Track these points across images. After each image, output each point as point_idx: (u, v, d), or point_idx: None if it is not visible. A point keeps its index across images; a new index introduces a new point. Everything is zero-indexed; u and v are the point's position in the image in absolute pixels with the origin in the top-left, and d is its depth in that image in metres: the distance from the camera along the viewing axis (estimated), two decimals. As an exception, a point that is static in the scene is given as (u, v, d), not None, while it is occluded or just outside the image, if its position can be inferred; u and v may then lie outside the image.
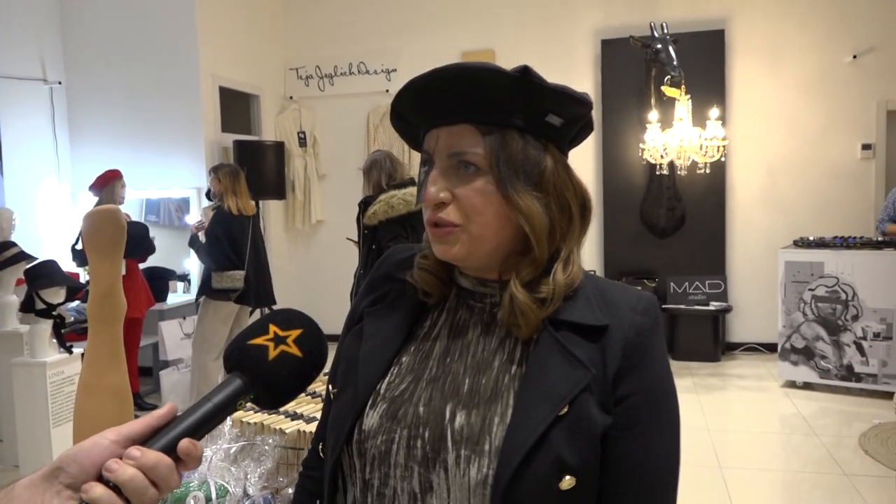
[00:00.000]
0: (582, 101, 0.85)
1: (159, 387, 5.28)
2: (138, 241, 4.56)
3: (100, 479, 0.60)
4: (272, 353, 0.69)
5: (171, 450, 0.62)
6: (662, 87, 5.36)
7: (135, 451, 0.61)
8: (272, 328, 0.70)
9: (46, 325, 3.61)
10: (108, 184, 4.94)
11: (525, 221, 0.81)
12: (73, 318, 4.57)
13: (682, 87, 5.28)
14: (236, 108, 6.54)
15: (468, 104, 0.81)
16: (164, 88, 5.86)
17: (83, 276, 5.01)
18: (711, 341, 6.00)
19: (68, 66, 6.04)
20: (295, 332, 0.70)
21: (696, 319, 6.00)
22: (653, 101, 5.79)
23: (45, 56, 5.87)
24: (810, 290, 5.02)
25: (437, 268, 0.90)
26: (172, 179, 5.92)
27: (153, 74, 5.87)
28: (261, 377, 0.68)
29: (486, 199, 0.81)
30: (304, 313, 0.74)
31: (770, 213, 6.12)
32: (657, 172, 5.75)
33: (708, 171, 5.49)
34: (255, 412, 1.61)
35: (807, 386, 5.09)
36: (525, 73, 0.80)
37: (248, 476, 1.45)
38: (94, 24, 5.95)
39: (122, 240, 1.23)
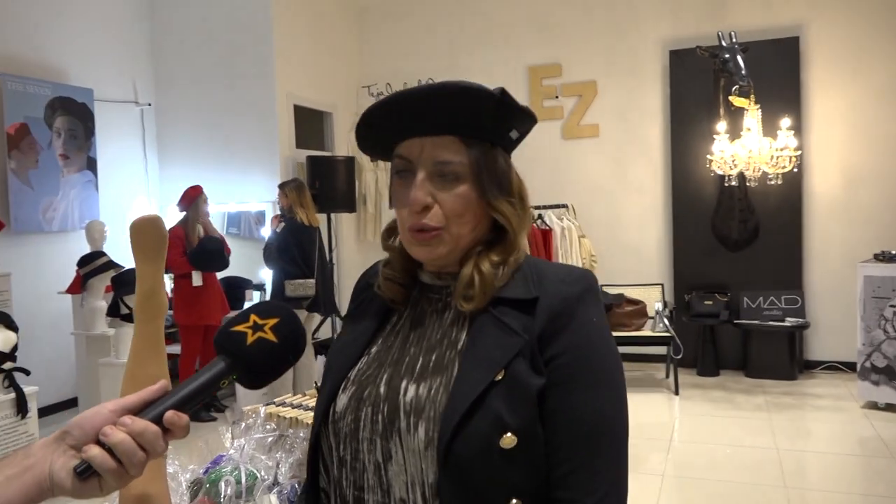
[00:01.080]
0: (533, 118, 0.96)
1: (235, 390, 5.55)
2: (212, 255, 4.83)
3: (98, 442, 0.71)
4: (250, 339, 0.79)
5: (158, 420, 0.73)
6: (730, 97, 5.25)
7: (126, 419, 0.72)
8: (252, 317, 0.81)
9: (130, 329, 3.90)
10: (192, 200, 5.27)
11: (506, 222, 0.93)
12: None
13: (751, 96, 5.16)
14: (310, 125, 6.83)
15: (456, 118, 0.90)
16: (243, 108, 6.19)
17: (168, 285, 5.35)
18: (787, 359, 5.78)
19: (158, 89, 6.48)
20: (272, 321, 0.80)
21: (770, 336, 5.80)
22: (721, 111, 5.68)
23: (136, 80, 6.32)
24: (892, 306, 4.78)
25: (400, 276, 0.99)
26: (250, 194, 6.23)
27: (233, 95, 6.22)
28: (241, 360, 0.79)
29: (467, 203, 0.91)
30: (284, 305, 0.85)
31: (849, 226, 5.86)
32: (726, 184, 5.62)
33: (780, 182, 5.32)
34: (292, 408, 1.73)
35: (889, 408, 4.83)
36: (503, 94, 0.90)
37: (280, 465, 1.56)
38: (181, 49, 6.37)
39: (163, 245, 1.37)
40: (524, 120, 0.94)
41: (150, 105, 6.42)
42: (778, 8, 5.94)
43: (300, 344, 0.84)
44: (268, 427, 1.64)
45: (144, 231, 1.36)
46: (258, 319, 0.80)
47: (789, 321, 5.75)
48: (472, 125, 0.91)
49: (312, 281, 4.74)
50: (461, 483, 0.82)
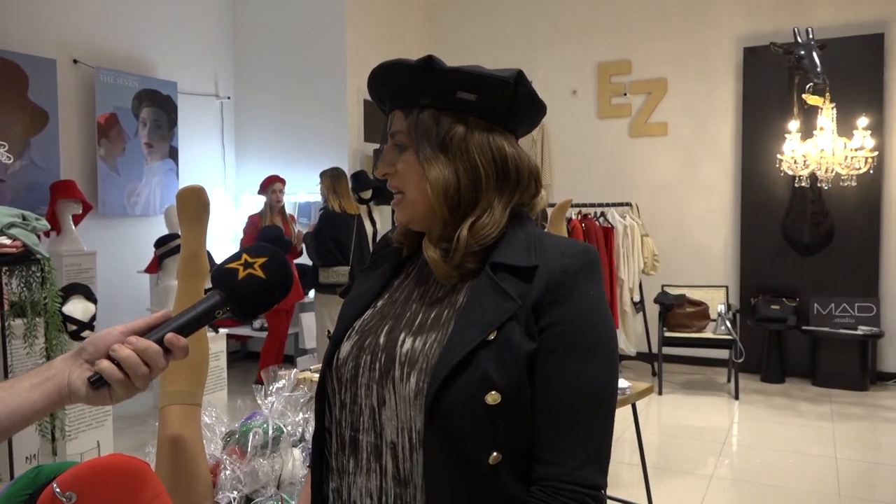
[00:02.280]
0: (488, 77, 0.97)
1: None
2: (270, 241, 5.07)
3: (108, 357, 0.83)
4: (241, 275, 0.90)
5: (160, 341, 0.85)
6: (804, 95, 5.09)
7: (132, 338, 0.84)
8: (244, 256, 0.91)
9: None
10: (267, 187, 5.62)
11: (428, 183, 0.97)
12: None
13: (827, 94, 4.98)
14: (378, 119, 7.00)
15: (392, 94, 1.01)
16: (316, 103, 6.42)
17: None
18: (858, 369, 5.54)
19: (237, 83, 6.80)
20: (261, 260, 0.91)
21: (841, 344, 5.57)
22: (795, 110, 5.50)
23: (218, 74, 6.65)
24: (972, 316, 4.53)
25: (409, 230, 1.07)
26: (319, 185, 6.45)
27: (306, 90, 6.46)
28: (232, 293, 0.89)
29: (411, 168, 0.99)
30: (274, 248, 0.94)
31: (932, 232, 5.57)
32: (796, 185, 5.44)
33: (854, 183, 5.12)
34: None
35: (966, 423, 4.59)
36: (427, 60, 0.97)
37: (308, 424, 1.68)
38: (260, 46, 6.67)
39: (205, 212, 1.50)
40: (468, 80, 0.96)
41: (229, 99, 6.75)
42: (860, 4, 5.70)
43: (287, 281, 0.93)
44: (299, 390, 1.76)
45: (188, 200, 1.49)
46: (249, 258, 0.91)
47: (862, 329, 5.52)
48: (406, 96, 0.99)
49: (346, 268, 4.82)
50: (445, 432, 0.89)
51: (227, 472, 1.46)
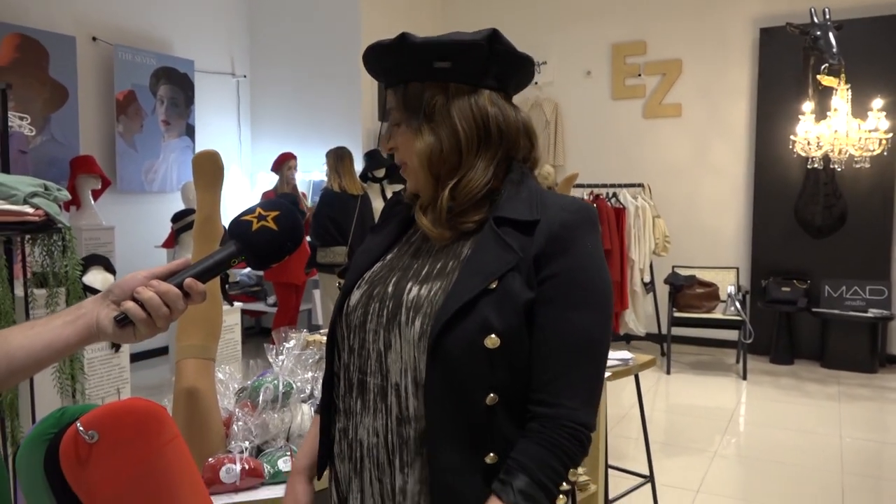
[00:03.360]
0: (457, 42, 1.01)
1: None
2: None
3: (133, 298, 0.90)
4: (255, 226, 0.96)
5: (180, 285, 0.92)
6: (819, 76, 5.06)
7: (155, 282, 0.91)
8: (258, 210, 0.98)
9: (216, 280, 4.25)
10: (279, 165, 5.68)
11: (414, 151, 1.03)
12: (237, 280, 5.24)
13: (842, 75, 4.96)
14: (393, 99, 7.04)
15: (382, 74, 1.08)
16: (330, 82, 6.48)
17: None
18: (868, 351, 5.55)
19: (253, 62, 6.86)
20: (273, 213, 0.97)
21: (851, 326, 5.58)
22: (809, 91, 5.47)
23: (234, 53, 6.71)
24: (983, 299, 4.53)
25: None
26: (333, 163, 6.52)
27: (321, 69, 6.51)
28: (246, 244, 0.96)
29: (406, 140, 1.05)
30: (286, 203, 1.01)
31: (945, 215, 5.54)
32: (809, 166, 5.43)
33: (868, 165, 5.10)
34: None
35: (974, 406, 4.60)
36: (399, 39, 1.02)
37: (317, 382, 1.75)
38: (276, 25, 6.72)
39: (219, 176, 1.57)
40: (438, 49, 1.01)
41: (245, 77, 6.81)
42: (879, -16, 5.64)
43: (297, 234, 1.00)
44: (309, 351, 1.83)
45: (203, 164, 1.56)
46: (262, 211, 0.98)
47: (872, 312, 5.53)
48: (392, 74, 1.05)
49: (343, 248, 4.80)
50: (446, 373, 0.95)
51: (240, 424, 1.54)
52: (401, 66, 1.04)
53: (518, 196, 1.03)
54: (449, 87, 1.03)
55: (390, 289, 1.05)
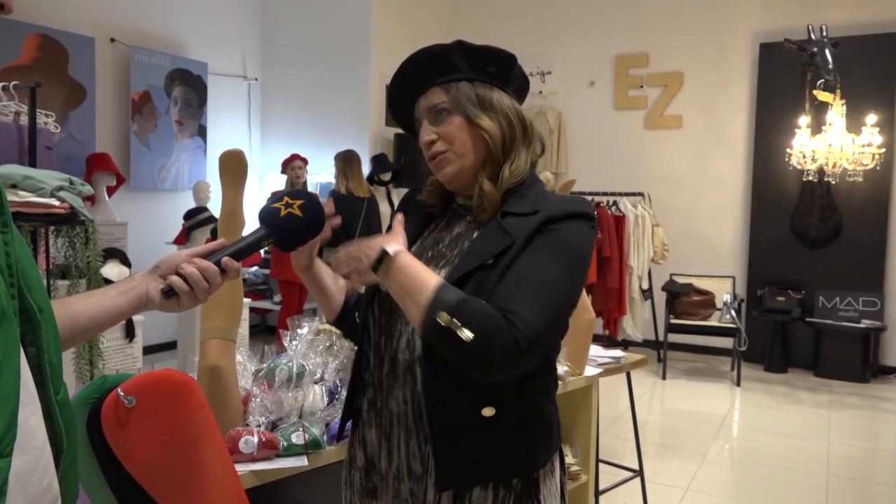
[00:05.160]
0: (503, 53, 1.22)
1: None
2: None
3: (177, 273, 1.04)
4: (283, 213, 1.10)
5: (217, 263, 1.06)
6: (815, 91, 5.21)
7: (196, 259, 1.05)
8: (286, 198, 1.12)
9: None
10: (287, 165, 5.83)
11: (485, 132, 1.18)
12: (244, 278, 5.38)
13: (837, 91, 5.10)
14: (401, 105, 7.19)
15: (430, 74, 1.21)
16: (339, 87, 6.63)
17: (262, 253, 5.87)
18: (860, 361, 5.68)
19: (265, 66, 7.02)
20: (299, 202, 1.12)
21: (844, 336, 5.71)
22: (806, 105, 5.62)
23: (246, 55, 6.88)
24: (971, 312, 4.65)
25: (437, 189, 1.30)
26: (341, 166, 6.67)
27: (331, 74, 6.67)
28: (275, 228, 1.10)
29: (459, 127, 1.19)
30: (311, 192, 1.15)
31: (937, 229, 5.67)
32: (804, 179, 5.57)
33: (861, 179, 5.24)
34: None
35: (961, 416, 4.72)
36: (458, 43, 1.20)
37: (327, 366, 1.89)
38: (287, 30, 6.88)
39: (243, 173, 1.71)
40: (491, 56, 1.21)
41: (256, 80, 6.97)
42: (876, 3, 5.78)
43: (320, 221, 1.14)
44: (320, 337, 1.97)
45: (230, 161, 1.70)
46: (289, 199, 1.12)
47: (865, 323, 5.65)
48: (442, 74, 1.20)
49: None
50: None
51: (258, 401, 1.67)
52: (455, 65, 1.20)
53: (526, 196, 1.18)
54: (494, 87, 1.22)
55: None
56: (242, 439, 1.60)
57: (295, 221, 1.12)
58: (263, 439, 1.62)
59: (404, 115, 1.30)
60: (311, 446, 1.65)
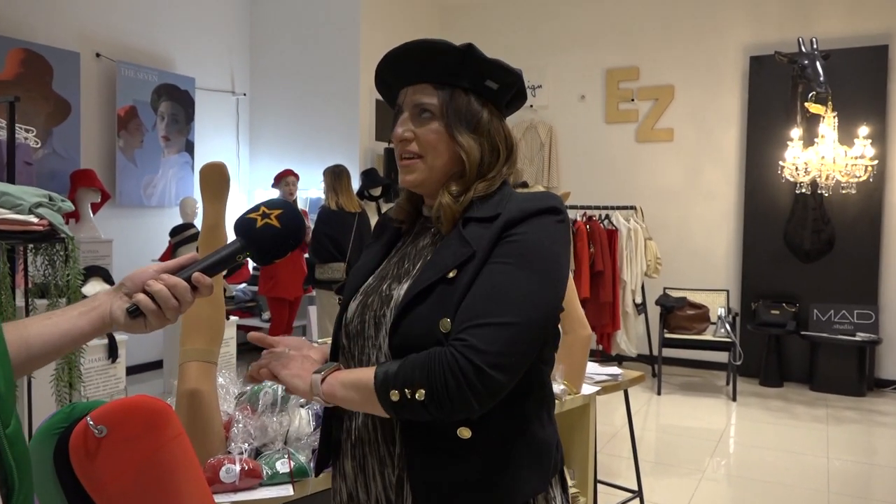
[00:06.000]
0: (512, 71, 1.13)
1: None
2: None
3: (144, 291, 0.96)
4: (259, 224, 1.03)
5: (188, 279, 0.98)
6: (806, 104, 5.19)
7: (164, 275, 0.98)
8: (262, 208, 1.04)
9: (219, 285, 4.31)
10: (280, 180, 5.77)
11: (464, 153, 1.11)
12: (233, 295, 5.29)
13: (829, 103, 5.09)
14: (390, 118, 7.12)
15: (427, 68, 1.12)
16: (328, 101, 6.58)
17: (250, 265, 5.78)
18: (856, 375, 5.62)
19: (253, 80, 6.96)
20: (276, 211, 1.04)
21: (839, 350, 5.66)
22: (797, 118, 5.60)
23: (234, 70, 6.82)
24: (967, 324, 4.61)
25: (406, 204, 1.22)
26: (330, 182, 6.59)
27: (320, 89, 6.61)
28: (251, 240, 1.02)
29: (438, 136, 1.11)
30: (289, 202, 1.07)
31: (931, 241, 5.65)
32: (797, 191, 5.54)
33: (854, 191, 5.21)
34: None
35: (960, 429, 4.66)
36: (469, 47, 1.10)
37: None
38: (276, 44, 6.83)
39: (225, 187, 1.63)
40: (497, 71, 1.11)
41: (244, 95, 6.91)
42: (866, 15, 5.80)
43: (300, 232, 1.07)
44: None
45: (210, 175, 1.63)
46: (266, 209, 1.04)
47: (860, 336, 5.60)
48: (442, 74, 1.11)
49: (341, 265, 4.85)
50: (405, 354, 1.01)
51: (240, 426, 1.59)
52: (458, 70, 1.10)
53: (490, 201, 1.10)
54: (488, 105, 1.13)
55: (382, 296, 1.12)
56: (224, 468, 1.51)
57: (272, 232, 1.04)
58: (246, 468, 1.53)
59: (388, 92, 1.22)
60: (297, 474, 1.57)
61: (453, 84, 1.11)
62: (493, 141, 1.13)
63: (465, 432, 1.01)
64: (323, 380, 1.04)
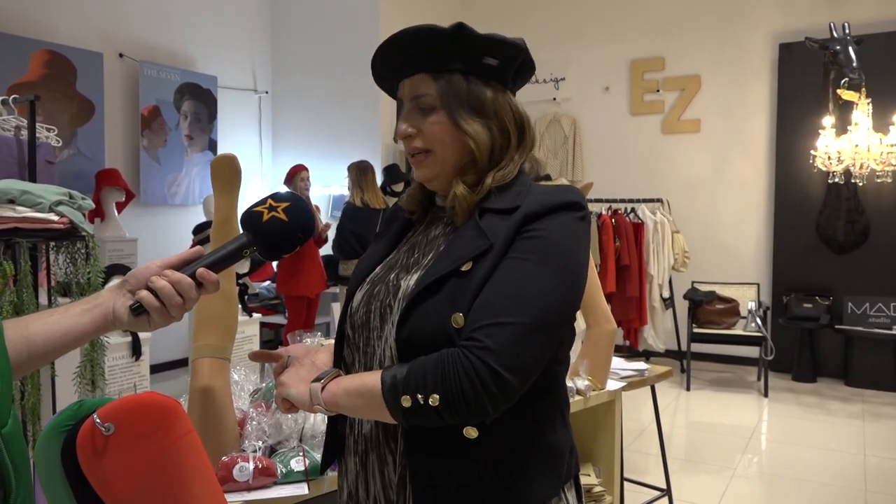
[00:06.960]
0: (511, 43, 1.05)
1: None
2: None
3: (147, 288, 0.92)
4: (265, 217, 0.98)
5: (192, 275, 0.94)
6: (839, 91, 5.03)
7: (168, 272, 0.94)
8: (269, 201, 1.00)
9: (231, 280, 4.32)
10: (292, 176, 5.73)
11: (472, 140, 1.04)
12: (257, 292, 5.29)
13: (862, 90, 4.93)
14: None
15: (419, 57, 1.06)
16: (350, 98, 6.55)
17: (273, 262, 5.78)
18: (893, 369, 5.46)
19: (275, 78, 6.96)
20: (284, 204, 0.99)
21: (875, 344, 5.50)
22: (829, 105, 5.44)
23: (256, 69, 6.83)
24: None
25: (418, 193, 1.17)
26: (353, 178, 6.57)
27: (341, 86, 6.59)
28: (258, 234, 0.98)
29: (442, 127, 1.05)
30: (297, 195, 1.03)
31: (971, 231, 5.45)
32: (829, 181, 5.38)
33: (889, 180, 5.05)
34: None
35: None
36: (459, 26, 1.03)
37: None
38: (297, 42, 6.83)
39: (237, 179, 1.60)
40: (495, 46, 1.04)
41: (267, 93, 6.92)
42: (901, -2, 5.61)
43: (308, 225, 1.02)
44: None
45: (221, 167, 1.59)
46: (273, 202, 1.00)
47: (897, 329, 5.44)
48: (435, 60, 1.05)
49: None
50: (417, 351, 0.96)
51: (254, 424, 1.55)
52: (451, 53, 1.04)
53: (509, 192, 1.04)
54: (491, 83, 1.06)
55: (389, 286, 1.07)
56: (237, 466, 1.48)
57: (279, 226, 0.99)
58: (260, 466, 1.50)
59: (389, 85, 1.16)
60: (312, 472, 1.53)
61: (450, 69, 1.05)
62: (501, 122, 1.07)
63: (471, 432, 0.96)
64: (323, 388, 0.99)
